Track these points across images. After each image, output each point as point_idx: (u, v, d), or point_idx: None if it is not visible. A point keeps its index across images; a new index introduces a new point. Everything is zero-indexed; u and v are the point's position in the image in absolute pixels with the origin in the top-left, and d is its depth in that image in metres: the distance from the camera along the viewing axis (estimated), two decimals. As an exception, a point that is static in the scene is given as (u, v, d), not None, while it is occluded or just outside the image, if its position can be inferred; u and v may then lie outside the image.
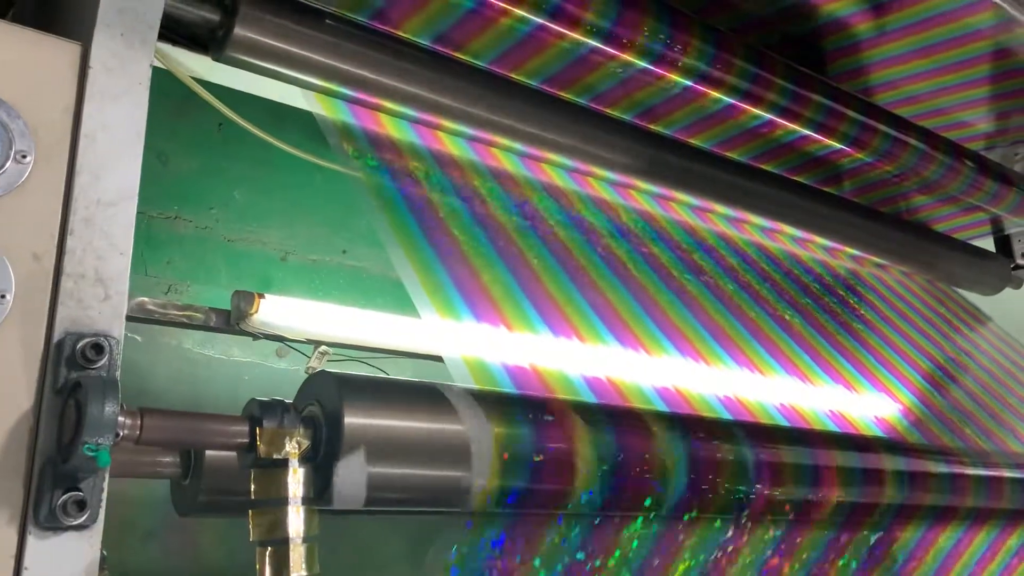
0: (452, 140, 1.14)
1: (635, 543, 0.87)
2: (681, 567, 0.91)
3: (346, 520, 1.52)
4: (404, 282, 0.87)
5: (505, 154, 1.21)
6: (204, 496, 0.87)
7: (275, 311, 1.17)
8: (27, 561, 0.57)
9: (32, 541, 0.57)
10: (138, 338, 1.25)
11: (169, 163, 1.40)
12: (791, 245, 1.64)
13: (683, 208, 1.47)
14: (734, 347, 1.15)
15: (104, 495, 0.59)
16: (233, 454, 0.87)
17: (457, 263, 0.92)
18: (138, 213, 1.50)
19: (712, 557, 0.93)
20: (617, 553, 0.88)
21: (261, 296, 1.17)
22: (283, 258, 1.49)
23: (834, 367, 1.31)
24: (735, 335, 1.18)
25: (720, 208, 1.50)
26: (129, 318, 1.08)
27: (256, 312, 1.15)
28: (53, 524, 0.57)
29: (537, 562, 0.81)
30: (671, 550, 0.90)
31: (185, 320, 1.10)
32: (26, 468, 0.58)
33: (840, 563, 1.10)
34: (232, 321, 1.15)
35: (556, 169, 1.27)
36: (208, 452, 0.87)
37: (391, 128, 1.07)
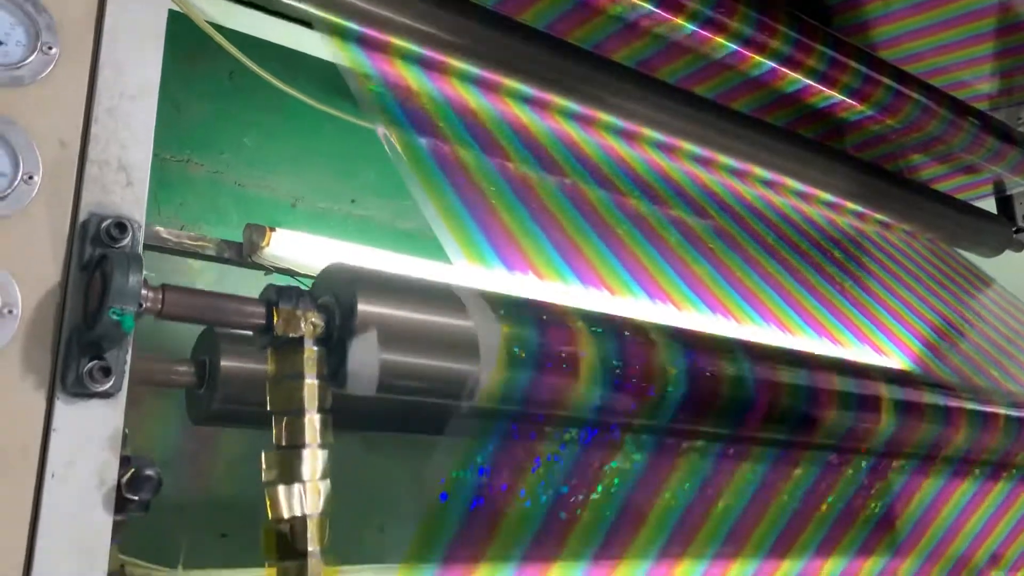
0: (470, 92, 1.15)
1: (633, 453, 0.89)
2: (675, 482, 0.93)
3: (350, 459, 1.55)
4: (434, 229, 0.88)
5: (529, 112, 1.22)
6: (218, 405, 0.90)
7: (286, 245, 1.19)
8: (56, 423, 0.59)
9: (60, 405, 0.60)
10: (152, 275, 1.27)
11: (182, 109, 1.43)
12: (797, 200, 1.64)
13: (688, 159, 1.48)
14: (762, 306, 1.17)
15: (127, 367, 0.62)
16: (246, 365, 0.91)
17: (485, 213, 0.94)
18: (152, 156, 1.53)
19: (707, 475, 0.96)
20: (614, 464, 0.91)
21: (272, 230, 1.19)
22: (293, 204, 1.51)
23: (854, 323, 1.33)
24: (761, 294, 1.20)
25: (724, 159, 1.51)
26: (144, 247, 1.11)
27: (268, 245, 1.17)
28: (80, 390, 0.60)
29: (535, 467, 0.84)
30: (668, 462, 0.92)
31: (198, 250, 1.13)
32: (54, 339, 0.61)
33: (832, 492, 1.13)
34: (244, 253, 1.17)
35: (572, 124, 1.29)
36: (223, 362, 0.90)
37: (411, 79, 1.08)
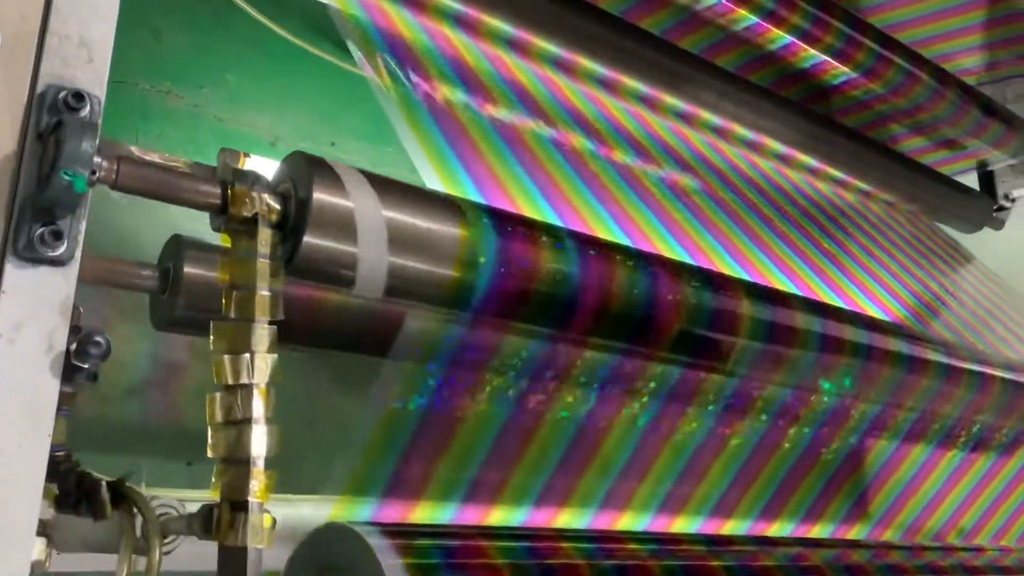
0: (456, 32, 1.15)
1: (595, 372, 0.90)
2: (635, 405, 0.94)
3: (327, 399, 1.54)
4: (418, 169, 0.89)
5: (513, 55, 1.22)
6: (180, 311, 0.90)
7: (261, 171, 1.19)
8: (5, 286, 0.60)
9: (10, 269, 0.60)
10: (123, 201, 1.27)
11: (163, 39, 1.42)
12: (778, 162, 1.65)
13: (670, 113, 1.48)
14: (745, 260, 1.17)
15: (81, 237, 0.62)
16: (211, 273, 0.91)
17: (470, 154, 0.94)
18: (132, 84, 1.51)
19: (658, 413, 0.97)
20: (569, 389, 0.92)
21: (247, 156, 1.19)
22: (272, 143, 1.51)
23: (834, 281, 1.35)
24: (745, 249, 1.21)
25: (706, 115, 1.51)
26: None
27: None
28: (31, 255, 0.60)
29: (487, 385, 0.85)
30: (630, 385, 0.93)
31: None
32: (7, 206, 0.61)
33: (786, 445, 1.15)
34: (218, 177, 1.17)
35: (556, 70, 1.29)
36: (187, 268, 0.91)
37: (398, 19, 1.08)
